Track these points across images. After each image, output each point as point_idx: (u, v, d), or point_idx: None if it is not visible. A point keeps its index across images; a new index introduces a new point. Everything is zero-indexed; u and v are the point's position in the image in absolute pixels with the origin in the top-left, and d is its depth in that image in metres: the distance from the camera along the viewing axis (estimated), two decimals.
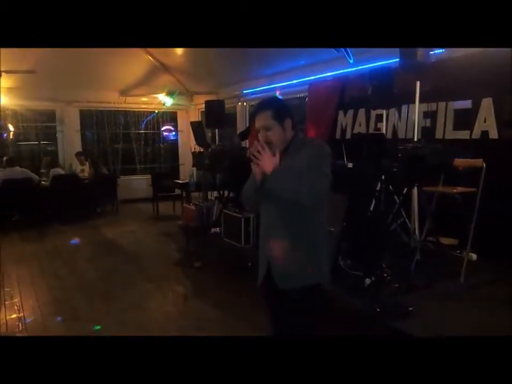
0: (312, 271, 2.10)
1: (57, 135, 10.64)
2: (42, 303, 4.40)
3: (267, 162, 1.97)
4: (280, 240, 2.08)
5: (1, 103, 9.28)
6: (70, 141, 10.56)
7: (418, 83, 4.89)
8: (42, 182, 8.75)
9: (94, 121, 10.94)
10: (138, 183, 10.48)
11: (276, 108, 2.11)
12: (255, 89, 9.29)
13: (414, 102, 5.00)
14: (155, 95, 10.95)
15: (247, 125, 9.96)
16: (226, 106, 7.25)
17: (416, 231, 4.70)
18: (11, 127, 10.04)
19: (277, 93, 8.57)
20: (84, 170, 9.54)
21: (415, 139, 4.92)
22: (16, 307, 4.29)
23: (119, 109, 11.06)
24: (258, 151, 1.99)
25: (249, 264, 5.02)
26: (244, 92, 9.70)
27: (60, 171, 8.98)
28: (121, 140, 11.32)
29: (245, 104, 10.04)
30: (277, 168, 1.97)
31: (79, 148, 10.48)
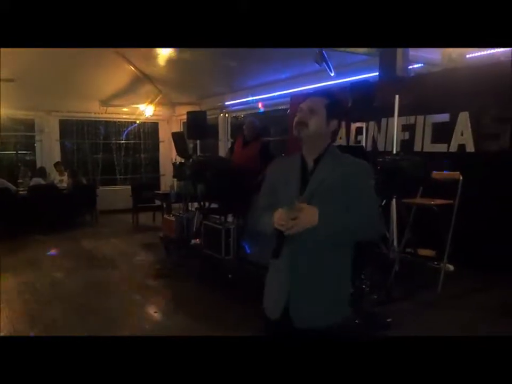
0: (338, 308, 1.84)
1: (36, 144, 10.49)
2: (16, 317, 4.28)
3: (308, 218, 1.64)
4: (309, 273, 1.78)
5: None
6: (49, 150, 10.42)
7: (397, 97, 4.97)
8: (20, 192, 8.58)
9: (74, 131, 10.84)
10: (118, 194, 10.36)
11: (334, 101, 1.87)
12: (238, 101, 9.34)
13: (393, 115, 5.07)
14: (136, 106, 10.91)
15: (229, 136, 10.02)
16: (208, 117, 7.25)
17: (395, 243, 4.74)
18: None
19: (260, 105, 8.64)
20: (62, 180, 9.41)
21: (394, 152, 4.98)
22: None
23: (100, 119, 10.97)
24: (291, 218, 1.63)
25: (230, 276, 4.98)
26: (226, 103, 9.73)
27: (40, 181, 8.83)
28: (102, 150, 11.23)
29: (227, 115, 10.07)
30: (324, 214, 1.65)
31: (58, 157, 10.35)
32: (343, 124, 6.51)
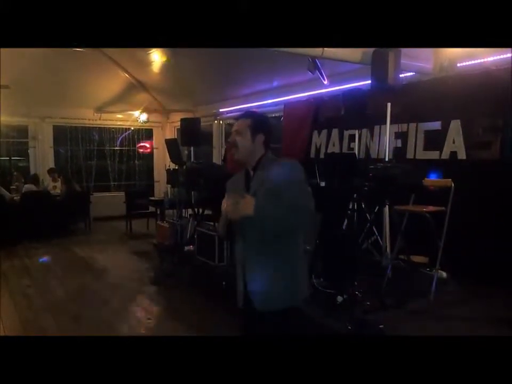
0: (291, 292, 2.08)
1: (29, 151, 10.44)
2: (7, 323, 4.25)
3: (246, 206, 1.89)
4: (258, 262, 2.06)
5: None
6: (42, 157, 10.37)
7: (389, 105, 5.01)
8: (14, 198, 8.54)
9: (67, 137, 10.79)
10: (112, 201, 10.33)
11: (255, 119, 2.16)
12: (232, 108, 9.37)
13: (385, 123, 5.11)
14: (131, 112, 10.91)
15: (223, 143, 10.05)
16: (202, 124, 7.27)
17: (388, 249, 4.76)
18: None
19: None
20: (56, 187, 9.37)
21: (387, 159, 5.02)
22: None
23: (94, 126, 10.96)
24: (232, 203, 1.92)
25: (224, 283, 4.98)
26: (221, 110, 9.76)
27: (32, 187, 8.79)
28: (95, 157, 11.19)
29: (221, 122, 10.10)
30: (258, 206, 1.90)
31: (51, 164, 10.30)
32: (337, 131, 6.58)
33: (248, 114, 2.24)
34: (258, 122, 2.16)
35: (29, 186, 8.70)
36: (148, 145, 11.86)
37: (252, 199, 1.91)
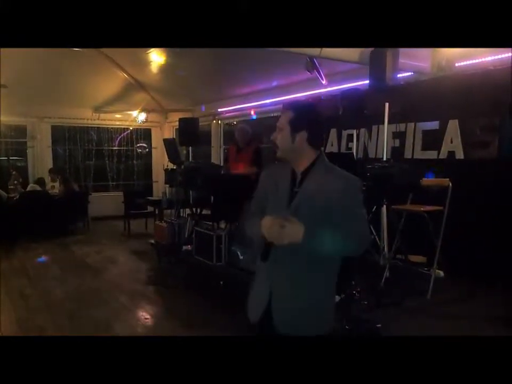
0: (320, 319, 1.85)
1: (27, 150, 10.42)
2: (5, 323, 4.24)
3: (294, 233, 1.61)
4: (290, 284, 1.81)
5: None
6: (41, 157, 10.35)
7: (387, 105, 5.02)
8: (12, 197, 8.53)
9: (66, 137, 10.78)
10: (110, 200, 10.32)
11: (297, 113, 1.80)
12: (230, 108, 9.38)
13: (383, 123, 5.12)
14: (129, 112, 10.91)
15: (221, 143, 10.06)
16: (201, 124, 7.27)
17: (386, 249, 4.77)
18: None
19: (252, 112, 8.69)
20: (54, 186, 9.36)
21: (385, 159, 5.03)
22: None
23: (92, 126, 10.95)
24: (277, 227, 1.62)
25: (221, 283, 4.98)
26: (219, 110, 9.77)
27: (36, 187, 8.79)
28: (94, 157, 11.18)
29: (219, 122, 10.10)
30: (309, 234, 1.62)
31: (50, 164, 10.29)
32: (335, 130, 6.58)
33: (289, 106, 1.86)
34: (300, 117, 1.79)
35: (33, 186, 8.70)
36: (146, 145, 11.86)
37: (301, 226, 1.61)
